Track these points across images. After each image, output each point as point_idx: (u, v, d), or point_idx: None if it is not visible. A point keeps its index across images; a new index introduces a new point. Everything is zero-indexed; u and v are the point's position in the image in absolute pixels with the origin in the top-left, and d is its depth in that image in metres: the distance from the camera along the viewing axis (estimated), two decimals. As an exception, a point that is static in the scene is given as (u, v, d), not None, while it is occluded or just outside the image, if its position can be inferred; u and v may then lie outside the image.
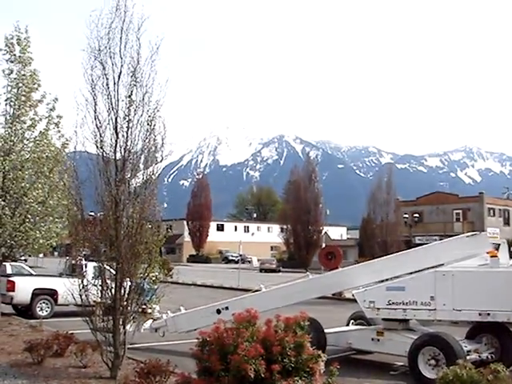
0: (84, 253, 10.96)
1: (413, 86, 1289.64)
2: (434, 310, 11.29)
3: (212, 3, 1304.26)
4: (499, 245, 12.27)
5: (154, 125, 10.43)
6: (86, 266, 10.69)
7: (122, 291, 10.17)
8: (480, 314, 10.85)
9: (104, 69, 10.37)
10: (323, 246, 49.02)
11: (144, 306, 12.13)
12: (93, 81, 10.32)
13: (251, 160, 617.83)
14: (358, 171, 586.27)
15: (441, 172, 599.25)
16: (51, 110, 16.45)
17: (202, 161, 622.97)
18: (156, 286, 11.91)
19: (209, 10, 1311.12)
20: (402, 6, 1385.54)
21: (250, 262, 78.59)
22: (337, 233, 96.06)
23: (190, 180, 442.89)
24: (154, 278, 11.11)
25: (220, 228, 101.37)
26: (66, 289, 10.43)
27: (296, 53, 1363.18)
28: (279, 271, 61.57)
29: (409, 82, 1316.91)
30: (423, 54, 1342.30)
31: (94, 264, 10.58)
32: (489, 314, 10.75)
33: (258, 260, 73.39)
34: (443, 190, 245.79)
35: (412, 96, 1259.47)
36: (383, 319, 12.46)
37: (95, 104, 10.30)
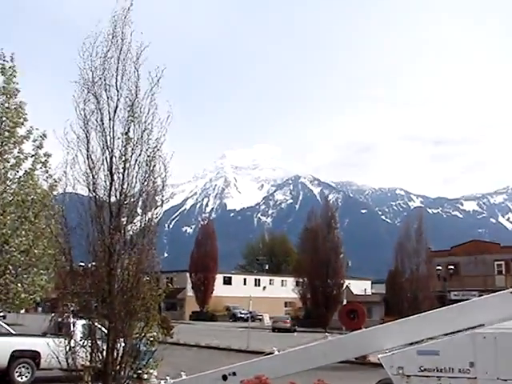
0: (72, 309, 10.93)
1: (446, 119, 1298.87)
2: (475, 378, 11.05)
3: (211, 19, 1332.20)
4: (548, 302, 12.09)
5: (154, 165, 10.54)
6: (74, 325, 10.66)
7: (115, 354, 10.11)
8: (528, 384, 10.62)
9: (98, 103, 10.54)
10: (344, 302, 48.78)
11: (140, 371, 12.00)
12: (85, 116, 10.47)
13: (263, 204, 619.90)
14: (383, 217, 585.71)
15: (479, 217, 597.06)
16: (38, 147, 16.62)
17: (207, 205, 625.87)
18: (154, 348, 11.80)
19: (211, 31, 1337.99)
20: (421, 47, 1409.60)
21: (261, 320, 78.06)
22: (360, 287, 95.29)
23: (193, 226, 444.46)
24: (151, 339, 11.03)
25: (227, 281, 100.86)
26: (50, 351, 10.39)
27: (309, 86, 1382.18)
28: (294, 331, 60.97)
29: (440, 115, 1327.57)
30: (453, 87, 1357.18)
31: (84, 322, 10.54)
32: (538, 384, 10.52)
33: (271, 318, 72.93)
34: (482, 237, 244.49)
35: (444, 133, 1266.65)
36: (414, 388, 12.24)
37: (88, 142, 10.43)
